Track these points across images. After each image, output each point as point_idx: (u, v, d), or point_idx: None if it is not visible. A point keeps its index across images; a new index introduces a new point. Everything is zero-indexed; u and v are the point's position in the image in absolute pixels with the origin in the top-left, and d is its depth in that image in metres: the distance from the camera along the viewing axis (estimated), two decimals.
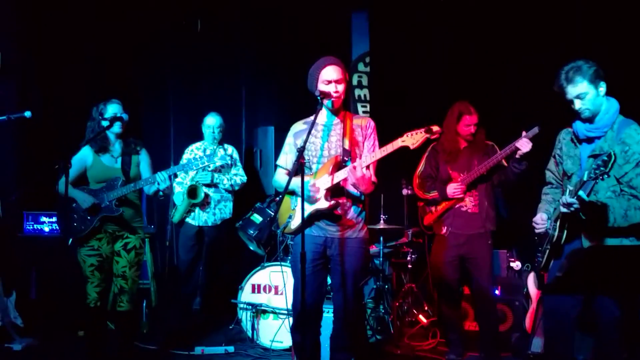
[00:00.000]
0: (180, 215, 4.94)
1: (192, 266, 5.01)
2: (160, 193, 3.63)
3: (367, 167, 2.99)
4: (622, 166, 2.73)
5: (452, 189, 3.97)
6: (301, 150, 2.85)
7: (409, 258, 5.11)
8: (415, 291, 5.09)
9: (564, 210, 2.77)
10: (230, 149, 5.13)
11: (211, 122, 4.99)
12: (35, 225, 4.91)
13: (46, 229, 4.91)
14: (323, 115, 3.17)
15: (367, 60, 6.10)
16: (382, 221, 4.85)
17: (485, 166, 3.90)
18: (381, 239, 4.85)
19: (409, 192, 5.02)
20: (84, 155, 3.70)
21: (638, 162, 2.72)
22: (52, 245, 4.82)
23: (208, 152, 4.95)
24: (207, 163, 3.59)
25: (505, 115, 4.86)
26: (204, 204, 4.91)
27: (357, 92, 6.09)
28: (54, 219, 4.89)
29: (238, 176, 5.04)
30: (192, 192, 4.82)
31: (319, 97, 3.02)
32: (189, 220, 4.94)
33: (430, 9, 5.71)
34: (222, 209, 5.01)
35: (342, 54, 5.97)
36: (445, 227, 4.06)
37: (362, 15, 6.10)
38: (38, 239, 4.88)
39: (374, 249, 4.99)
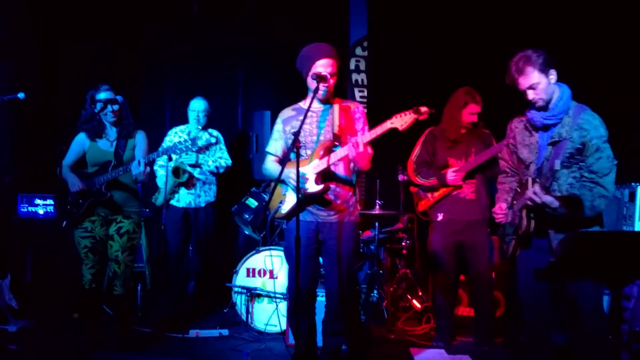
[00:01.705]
0: (163, 197, 4.85)
1: (182, 249, 5.01)
2: (133, 178, 3.63)
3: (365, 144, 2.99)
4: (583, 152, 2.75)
5: (451, 175, 3.95)
6: (297, 134, 2.85)
7: (403, 244, 5.14)
8: (410, 277, 5.12)
9: (530, 203, 2.77)
10: (215, 132, 5.09)
11: (196, 105, 4.93)
12: (29, 208, 4.88)
13: (41, 211, 4.89)
14: (314, 102, 3.16)
15: (365, 44, 6.06)
16: (377, 207, 4.86)
17: (484, 156, 3.89)
18: (376, 224, 4.86)
19: (405, 178, 5.02)
20: (82, 140, 3.74)
21: (597, 147, 2.73)
22: (46, 227, 4.81)
23: (192, 135, 4.90)
24: (189, 147, 3.54)
25: (505, 102, 4.84)
26: (189, 184, 4.88)
27: (354, 76, 6.06)
28: (49, 202, 4.87)
29: (223, 159, 5.00)
30: (175, 171, 4.77)
31: (315, 80, 3.01)
32: (173, 202, 4.92)
33: None
34: (206, 191, 4.98)
35: (340, 38, 5.99)
36: (442, 214, 4.05)
37: None
38: (33, 221, 4.86)
39: (369, 234, 5.00)
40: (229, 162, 5.03)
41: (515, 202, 2.99)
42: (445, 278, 4.11)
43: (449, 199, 4.02)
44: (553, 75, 2.81)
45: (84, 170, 3.74)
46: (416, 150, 4.18)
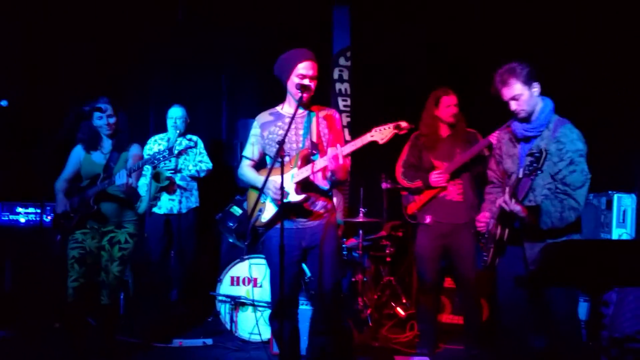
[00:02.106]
0: (145, 204, 4.83)
1: (164, 256, 4.99)
2: (115, 188, 3.59)
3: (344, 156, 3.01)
4: (557, 164, 2.81)
5: (435, 176, 3.96)
6: (281, 143, 2.86)
7: (387, 251, 5.16)
8: (394, 284, 5.14)
9: (503, 207, 2.84)
10: (194, 137, 5.08)
11: (173, 113, 4.95)
12: (10, 216, 4.83)
13: (22, 219, 4.84)
14: (292, 108, 3.15)
15: (348, 54, 6.12)
16: (361, 214, 4.88)
17: (467, 155, 3.91)
18: (360, 232, 4.89)
19: (389, 185, 5.05)
20: (78, 152, 3.74)
21: (571, 159, 2.79)
22: (27, 236, 4.76)
23: (171, 142, 4.89)
24: (167, 157, 3.49)
25: (487, 106, 4.91)
26: (171, 190, 4.86)
27: (337, 85, 6.11)
28: (30, 210, 4.82)
29: (203, 162, 5.01)
30: (156, 176, 4.76)
31: (299, 90, 3.02)
32: (155, 210, 4.90)
33: (410, 4, 5.76)
34: (188, 197, 4.98)
35: (323, 48, 6.03)
36: (429, 217, 4.03)
37: (343, 10, 6.12)
38: (13, 229, 4.80)
39: (352, 241, 5.02)
40: (210, 165, 5.03)
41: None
42: (429, 281, 4.09)
43: (436, 202, 4.02)
44: (536, 88, 2.88)
45: (80, 184, 3.72)
46: (404, 155, 4.19)
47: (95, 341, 3.76)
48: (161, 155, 3.45)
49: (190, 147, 4.96)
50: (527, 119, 2.91)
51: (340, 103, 6.11)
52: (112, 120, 3.68)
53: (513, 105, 2.88)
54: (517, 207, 2.79)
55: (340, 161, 2.95)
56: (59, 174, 3.77)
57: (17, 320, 4.41)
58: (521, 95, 2.84)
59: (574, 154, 2.79)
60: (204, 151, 5.09)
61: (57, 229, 3.70)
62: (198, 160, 5.00)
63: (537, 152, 2.70)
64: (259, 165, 3.30)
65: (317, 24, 5.99)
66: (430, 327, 4.14)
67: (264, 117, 3.28)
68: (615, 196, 4.05)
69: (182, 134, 4.97)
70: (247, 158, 3.30)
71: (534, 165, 2.69)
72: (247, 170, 3.28)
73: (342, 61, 6.12)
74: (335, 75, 6.09)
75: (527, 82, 2.84)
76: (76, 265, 3.59)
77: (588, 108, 4.33)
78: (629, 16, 4.45)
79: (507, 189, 2.86)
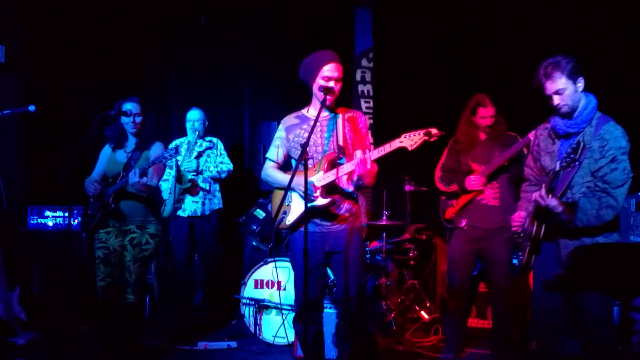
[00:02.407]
0: (169, 208, 4.87)
1: (188, 260, 5.02)
2: (128, 187, 3.60)
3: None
4: (598, 161, 2.73)
5: (471, 180, 3.90)
6: (305, 146, 2.85)
7: (411, 254, 5.12)
8: (417, 288, 5.09)
9: (539, 201, 2.75)
10: (214, 139, 5.10)
11: (191, 115, 4.98)
12: (39, 220, 4.92)
13: (50, 223, 4.92)
14: (315, 110, 3.14)
15: (371, 56, 6.09)
16: (384, 217, 4.85)
17: (504, 156, 3.82)
18: (384, 235, 4.85)
19: (412, 188, 5.02)
20: (106, 152, 3.79)
21: (613, 157, 2.70)
22: (55, 239, 4.83)
23: (191, 145, 4.93)
24: (173, 155, 3.48)
25: (518, 106, 4.83)
26: (193, 191, 4.90)
27: (360, 87, 6.09)
28: (58, 213, 4.90)
29: (224, 164, 5.03)
30: (178, 179, 4.80)
31: (322, 92, 3.01)
32: (179, 213, 4.94)
33: (433, 4, 5.70)
34: (211, 199, 5.00)
35: (345, 50, 6.02)
36: (465, 221, 3.98)
37: (365, 11, 6.11)
38: (42, 233, 4.89)
39: (376, 245, 4.99)
40: (230, 166, 5.05)
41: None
42: (457, 286, 4.03)
43: (472, 206, 3.96)
44: (581, 83, 2.80)
45: (104, 184, 3.77)
46: (443, 159, 4.16)
47: (121, 343, 3.79)
48: (168, 154, 3.46)
49: (210, 148, 4.99)
50: (569, 115, 2.82)
51: (363, 105, 6.09)
52: (139, 119, 3.72)
53: (556, 100, 2.80)
54: (553, 202, 2.69)
55: (368, 166, 2.92)
56: (86, 177, 3.82)
57: (45, 323, 4.48)
58: (565, 89, 2.76)
59: (616, 152, 2.71)
60: (224, 152, 5.12)
61: (82, 226, 3.76)
62: (219, 162, 5.03)
63: (575, 144, 2.62)
64: (284, 168, 3.29)
65: (339, 26, 5.98)
66: (455, 333, 4.09)
67: (289, 119, 3.27)
68: None
69: (202, 136, 5.00)
70: (271, 160, 3.29)
71: (572, 156, 2.61)
72: (272, 171, 3.27)
73: (364, 62, 6.10)
74: (358, 77, 6.08)
75: (572, 77, 2.76)
76: (102, 265, 3.64)
77: (619, 104, 4.23)
78: None
79: (544, 185, 2.78)
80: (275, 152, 3.28)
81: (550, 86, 2.78)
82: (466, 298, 4.16)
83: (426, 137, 2.85)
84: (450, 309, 4.10)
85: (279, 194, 3.21)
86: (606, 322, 2.83)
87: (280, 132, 3.28)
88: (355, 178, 3.10)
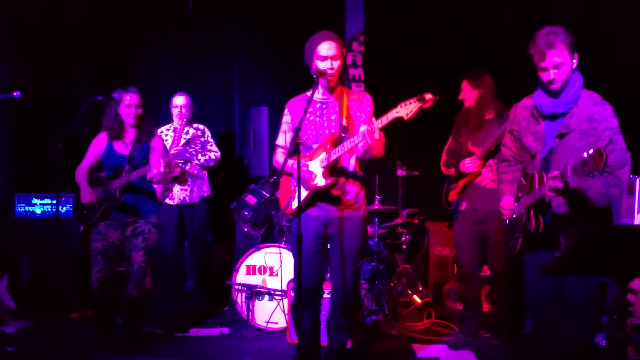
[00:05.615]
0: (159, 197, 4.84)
1: (178, 247, 4.98)
2: (147, 179, 3.65)
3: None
4: (593, 144, 2.58)
5: (465, 163, 3.89)
6: (297, 130, 2.81)
7: (403, 239, 5.12)
8: (410, 272, 5.10)
9: (549, 193, 2.58)
10: (200, 126, 5.04)
11: (178, 101, 4.89)
12: (26, 207, 4.85)
13: (38, 211, 4.85)
14: (319, 93, 3.13)
15: (361, 39, 6.02)
16: (377, 202, 4.84)
17: (495, 136, 3.78)
18: (376, 219, 4.84)
19: (404, 172, 5.00)
20: (100, 143, 3.73)
21: (610, 138, 2.58)
22: (43, 227, 4.78)
23: (177, 133, 4.85)
24: (199, 150, 3.53)
25: (507, 88, 4.80)
26: (182, 180, 4.85)
27: (351, 71, 6.03)
28: (46, 201, 4.83)
29: (212, 152, 4.98)
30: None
31: (314, 76, 2.96)
32: (168, 201, 4.89)
33: None
34: (199, 186, 4.96)
35: (336, 33, 5.92)
36: (465, 204, 3.98)
37: None
38: (29, 221, 4.83)
39: (368, 229, 4.97)
40: (218, 153, 5.01)
41: (520, 194, 2.86)
42: (464, 268, 4.05)
43: (471, 188, 3.95)
44: (576, 60, 2.65)
45: (100, 175, 3.71)
46: (448, 142, 4.15)
47: (119, 333, 3.76)
48: (193, 150, 3.46)
49: (198, 137, 4.93)
50: (557, 93, 2.68)
51: (354, 89, 6.03)
52: (140, 111, 3.68)
53: (551, 74, 2.62)
54: (553, 183, 2.51)
55: (376, 135, 2.85)
56: (75, 164, 3.76)
57: (34, 311, 4.43)
58: (564, 63, 2.60)
59: (611, 132, 2.58)
60: (211, 140, 5.06)
61: (80, 220, 3.71)
62: (207, 150, 4.97)
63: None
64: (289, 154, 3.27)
65: (330, 8, 5.89)
66: (471, 315, 4.09)
67: (295, 103, 3.23)
68: (638, 180, 3.94)
69: (189, 123, 4.93)
70: (280, 146, 3.27)
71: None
72: (280, 158, 3.24)
73: (355, 46, 6.03)
74: (349, 61, 6.01)
75: (571, 52, 2.62)
76: (100, 257, 3.61)
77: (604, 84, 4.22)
78: None
79: (536, 175, 2.68)
80: (284, 137, 3.26)
81: (553, 56, 2.59)
82: (476, 280, 4.14)
83: (421, 104, 2.77)
84: (464, 292, 4.12)
85: (288, 180, 3.19)
86: (589, 307, 2.75)
87: (286, 117, 3.24)
88: (363, 151, 3.04)
